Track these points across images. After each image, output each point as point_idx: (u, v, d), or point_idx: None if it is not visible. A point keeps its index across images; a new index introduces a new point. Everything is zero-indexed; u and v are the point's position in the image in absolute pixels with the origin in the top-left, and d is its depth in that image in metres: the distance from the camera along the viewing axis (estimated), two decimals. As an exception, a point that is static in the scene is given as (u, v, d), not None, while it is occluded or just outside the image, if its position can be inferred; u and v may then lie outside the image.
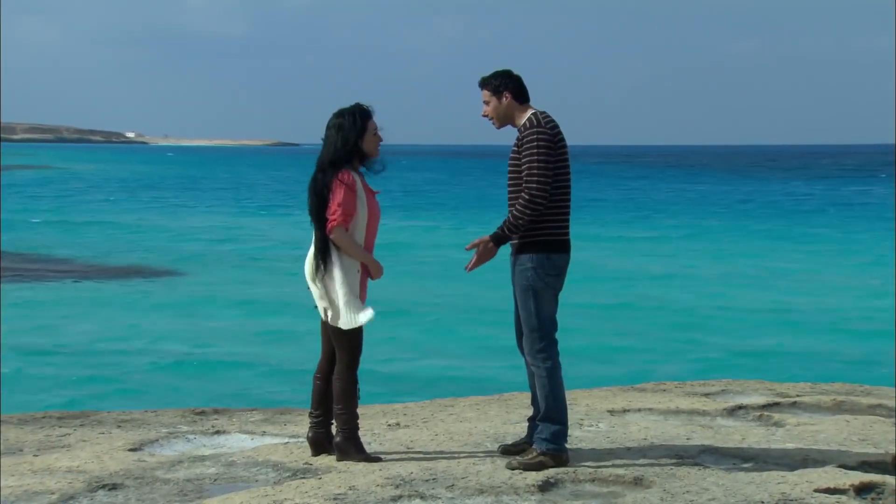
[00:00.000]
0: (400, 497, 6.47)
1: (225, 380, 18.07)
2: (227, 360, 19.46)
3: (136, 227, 47.83)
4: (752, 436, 8.19)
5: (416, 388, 16.37)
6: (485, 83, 7.22)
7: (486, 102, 7.23)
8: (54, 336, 21.67)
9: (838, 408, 9.44)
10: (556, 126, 7.11)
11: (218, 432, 8.23)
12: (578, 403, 9.34)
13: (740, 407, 9.29)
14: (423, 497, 6.50)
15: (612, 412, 9.01)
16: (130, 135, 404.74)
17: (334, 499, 6.40)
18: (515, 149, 7.09)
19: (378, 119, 7.24)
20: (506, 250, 7.22)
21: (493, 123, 7.26)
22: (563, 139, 7.13)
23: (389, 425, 8.42)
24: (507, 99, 7.16)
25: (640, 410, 9.13)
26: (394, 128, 7.47)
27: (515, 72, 7.26)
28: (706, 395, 9.94)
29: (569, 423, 7.39)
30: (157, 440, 7.92)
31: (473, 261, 7.13)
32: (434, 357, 20.10)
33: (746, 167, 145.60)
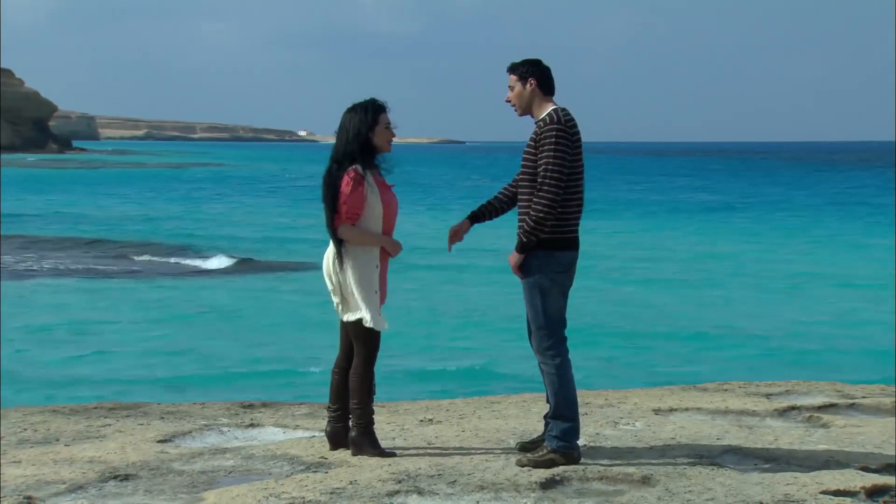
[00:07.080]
0: (398, 492, 6.53)
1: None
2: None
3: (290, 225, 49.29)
4: (786, 437, 8.03)
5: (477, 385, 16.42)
6: (513, 68, 7.24)
7: (511, 87, 7.25)
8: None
9: (896, 410, 9.17)
10: (575, 125, 7.10)
11: (252, 425, 8.36)
12: (627, 402, 9.27)
13: (793, 408, 9.08)
14: (420, 492, 6.55)
15: (656, 411, 8.90)
16: (302, 133, 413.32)
17: (332, 493, 6.50)
18: (531, 143, 7.09)
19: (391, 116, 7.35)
20: (511, 248, 7.24)
21: (515, 110, 7.28)
22: (579, 138, 7.13)
23: (421, 421, 8.48)
24: (531, 86, 7.16)
25: (687, 410, 9.00)
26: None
27: (545, 63, 7.26)
28: (767, 395, 9.73)
29: (604, 421, 7.36)
30: (189, 432, 8.08)
31: (515, 270, 7.19)
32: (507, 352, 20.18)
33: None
